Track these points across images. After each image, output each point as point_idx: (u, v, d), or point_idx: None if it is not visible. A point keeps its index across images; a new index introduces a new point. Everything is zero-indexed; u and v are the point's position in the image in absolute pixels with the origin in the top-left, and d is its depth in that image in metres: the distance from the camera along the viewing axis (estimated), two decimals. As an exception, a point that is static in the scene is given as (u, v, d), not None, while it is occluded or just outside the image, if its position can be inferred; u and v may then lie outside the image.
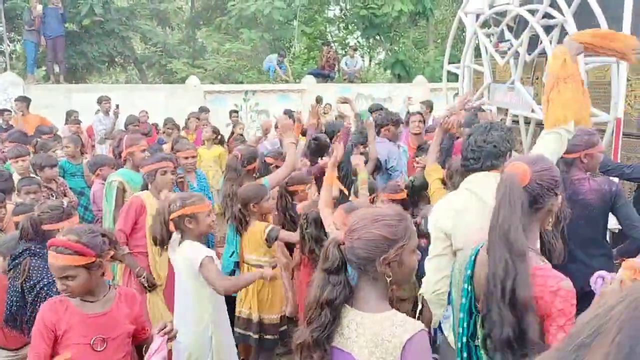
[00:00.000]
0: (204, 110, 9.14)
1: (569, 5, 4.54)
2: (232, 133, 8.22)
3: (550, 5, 4.65)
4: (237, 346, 3.20)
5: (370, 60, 20.44)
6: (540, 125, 4.89)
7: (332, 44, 18.34)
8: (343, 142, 4.77)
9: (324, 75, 12.80)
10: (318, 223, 3.07)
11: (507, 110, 5.34)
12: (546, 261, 1.73)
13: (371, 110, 7.48)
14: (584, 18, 4.40)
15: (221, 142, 7.01)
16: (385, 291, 1.60)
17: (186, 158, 4.59)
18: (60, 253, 1.99)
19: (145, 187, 3.77)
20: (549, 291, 1.58)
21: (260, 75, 13.57)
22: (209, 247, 3.08)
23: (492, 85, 5.47)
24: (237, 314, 3.46)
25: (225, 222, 3.79)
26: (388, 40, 15.98)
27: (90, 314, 2.08)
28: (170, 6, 16.14)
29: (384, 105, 11.13)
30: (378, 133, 5.08)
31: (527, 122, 5.17)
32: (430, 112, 8.77)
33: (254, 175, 3.99)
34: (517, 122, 5.30)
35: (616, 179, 3.59)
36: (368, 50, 19.16)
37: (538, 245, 1.79)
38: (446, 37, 5.87)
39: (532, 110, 4.96)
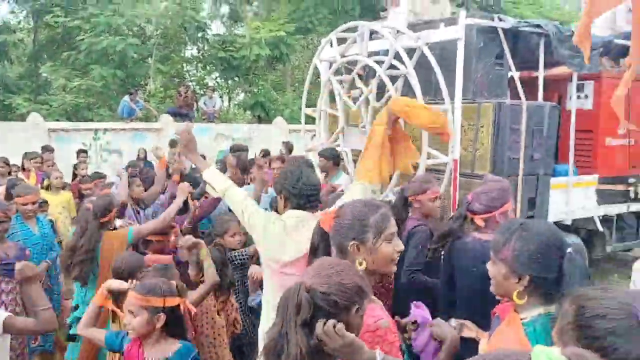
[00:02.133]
0: (47, 149, 8.38)
1: (411, 58, 5.00)
2: (75, 175, 7.48)
3: (395, 58, 5.08)
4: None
5: (229, 101, 20.52)
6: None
7: (190, 83, 18.14)
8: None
9: (182, 115, 12.56)
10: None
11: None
12: (376, 300, 1.75)
13: (232, 150, 7.44)
14: (425, 70, 4.88)
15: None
16: None
17: (25, 204, 4.18)
18: None
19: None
20: (367, 331, 1.58)
21: (113, 113, 12.91)
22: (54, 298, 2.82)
23: (346, 129, 5.77)
24: None
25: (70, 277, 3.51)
26: (247, 82, 16.22)
27: None
28: (9, 38, 14.77)
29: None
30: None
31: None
32: (290, 152, 9.00)
33: (110, 227, 3.71)
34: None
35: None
36: (227, 90, 19.25)
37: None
38: (303, 81, 6.16)
39: (383, 153, 5.32)
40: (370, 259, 1.73)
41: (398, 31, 5.18)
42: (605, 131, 6.14)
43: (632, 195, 6.30)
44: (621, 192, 6.14)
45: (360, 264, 1.71)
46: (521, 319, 1.58)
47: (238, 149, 6.66)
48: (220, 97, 19.91)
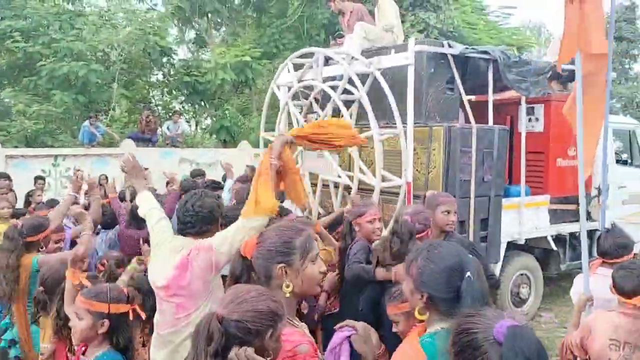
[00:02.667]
0: (2, 176, 8.17)
1: (364, 83, 5.11)
2: (29, 203, 7.25)
3: (350, 83, 5.18)
4: None
5: (197, 126, 20.44)
6: (348, 189, 5.32)
7: (156, 108, 18.02)
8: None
9: (144, 140, 12.44)
10: None
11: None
12: (298, 325, 1.77)
13: (193, 176, 7.42)
14: (379, 94, 4.98)
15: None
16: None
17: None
18: None
19: None
20: (285, 357, 1.59)
21: (74, 139, 12.71)
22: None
23: (304, 153, 5.82)
24: None
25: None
26: (212, 106, 16.21)
27: None
28: (-33, 64, 14.53)
29: (207, 170, 11.14)
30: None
31: (336, 185, 5.58)
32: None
33: (39, 249, 3.64)
34: (327, 185, 5.68)
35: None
36: (194, 115, 19.19)
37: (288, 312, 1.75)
38: (275, 105, 6.21)
39: (339, 176, 5.38)
40: (297, 281, 1.74)
41: (352, 57, 5.30)
42: (556, 152, 6.35)
43: (583, 214, 6.48)
44: (573, 212, 6.30)
45: (288, 286, 1.72)
46: (426, 332, 1.64)
47: (197, 174, 6.68)
48: (187, 121, 19.83)
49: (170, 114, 15.48)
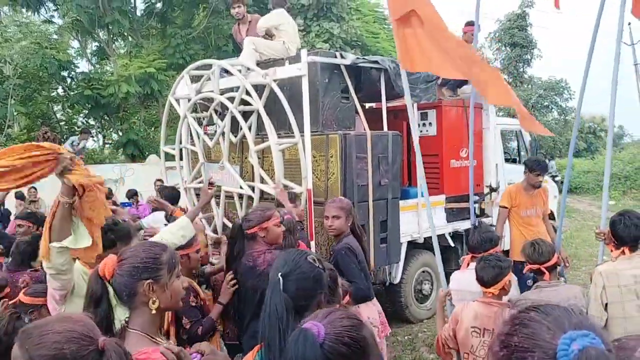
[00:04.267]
0: None
1: (262, 94, 5.19)
2: None
3: (248, 94, 5.22)
4: None
5: (104, 141, 19.65)
6: (250, 199, 5.36)
7: (58, 124, 17.14)
8: None
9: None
10: None
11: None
12: (162, 341, 1.76)
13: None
14: (279, 105, 5.05)
15: None
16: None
17: None
18: None
19: None
20: None
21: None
22: None
23: (206, 165, 5.80)
24: None
25: None
26: (118, 120, 15.67)
27: None
28: None
29: (113, 187, 10.75)
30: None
31: (241, 196, 5.60)
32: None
33: None
34: (231, 197, 5.68)
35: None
36: (101, 130, 18.44)
37: (148, 329, 1.78)
38: (177, 118, 6.09)
39: (241, 187, 5.41)
40: (164, 296, 1.77)
41: (247, 69, 5.36)
42: (449, 154, 6.75)
43: (477, 211, 6.92)
44: (467, 210, 6.71)
45: (154, 302, 1.74)
46: None
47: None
48: (93, 137, 19.00)
49: (75, 130, 14.81)
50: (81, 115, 17.57)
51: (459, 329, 2.67)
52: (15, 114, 14.69)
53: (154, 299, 1.74)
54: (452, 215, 6.70)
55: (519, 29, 25.08)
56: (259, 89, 5.25)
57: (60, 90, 16.48)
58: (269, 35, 5.87)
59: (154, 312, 1.73)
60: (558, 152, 24.93)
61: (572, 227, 12.99)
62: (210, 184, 3.55)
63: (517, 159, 8.40)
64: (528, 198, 5.45)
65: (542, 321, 0.97)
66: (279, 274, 1.75)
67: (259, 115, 5.23)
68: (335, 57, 5.31)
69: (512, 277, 2.94)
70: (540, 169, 5.38)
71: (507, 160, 8.03)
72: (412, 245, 6.25)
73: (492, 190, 7.27)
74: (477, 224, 3.75)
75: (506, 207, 5.52)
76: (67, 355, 1.26)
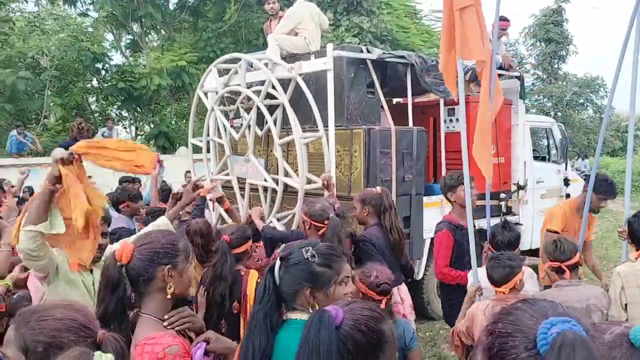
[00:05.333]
0: None
1: (288, 88, 5.22)
2: None
3: (274, 88, 5.27)
4: None
5: (136, 132, 20.03)
6: (275, 192, 5.41)
7: (92, 115, 17.54)
8: None
9: (76, 147, 12.12)
10: None
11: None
12: (163, 329, 1.77)
13: (120, 182, 7.30)
14: (305, 99, 5.07)
15: None
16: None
17: None
18: None
19: None
20: (156, 358, 1.61)
21: (3, 149, 12.24)
22: None
23: (232, 157, 5.87)
24: None
25: None
26: (149, 112, 15.95)
27: None
28: None
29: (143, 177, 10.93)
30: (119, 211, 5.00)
31: (265, 189, 5.65)
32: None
33: None
34: (256, 189, 5.74)
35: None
36: (133, 121, 18.80)
37: (160, 314, 1.81)
38: (205, 111, 6.20)
39: (265, 180, 5.46)
40: (180, 281, 1.81)
41: (274, 63, 5.40)
42: (476, 151, 6.65)
43: (503, 209, 6.83)
44: (493, 207, 6.63)
45: (170, 288, 1.78)
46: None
47: (124, 180, 6.60)
48: (125, 128, 19.38)
49: (106, 121, 15.13)
50: (114, 106, 17.96)
51: (475, 327, 2.66)
52: (51, 104, 15.12)
53: (171, 284, 1.78)
54: (478, 212, 6.61)
55: (554, 24, 24.49)
56: (285, 82, 5.29)
57: (94, 82, 16.86)
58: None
59: (168, 297, 1.78)
60: (592, 150, 24.30)
61: (604, 228, 12.68)
62: (196, 186, 3.32)
63: (547, 156, 8.24)
64: (579, 222, 4.26)
65: (526, 310, 0.99)
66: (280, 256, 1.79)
67: (284, 109, 5.27)
68: (362, 51, 5.31)
69: (532, 276, 2.90)
70: (607, 192, 4.29)
71: (536, 158, 7.89)
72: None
73: (520, 188, 7.16)
74: (504, 222, 3.71)
75: (557, 233, 4.37)
76: (63, 345, 1.24)
